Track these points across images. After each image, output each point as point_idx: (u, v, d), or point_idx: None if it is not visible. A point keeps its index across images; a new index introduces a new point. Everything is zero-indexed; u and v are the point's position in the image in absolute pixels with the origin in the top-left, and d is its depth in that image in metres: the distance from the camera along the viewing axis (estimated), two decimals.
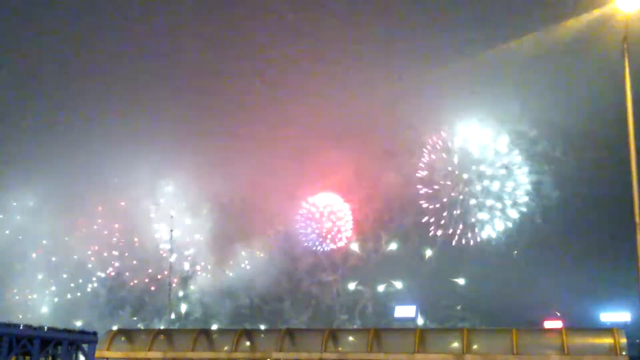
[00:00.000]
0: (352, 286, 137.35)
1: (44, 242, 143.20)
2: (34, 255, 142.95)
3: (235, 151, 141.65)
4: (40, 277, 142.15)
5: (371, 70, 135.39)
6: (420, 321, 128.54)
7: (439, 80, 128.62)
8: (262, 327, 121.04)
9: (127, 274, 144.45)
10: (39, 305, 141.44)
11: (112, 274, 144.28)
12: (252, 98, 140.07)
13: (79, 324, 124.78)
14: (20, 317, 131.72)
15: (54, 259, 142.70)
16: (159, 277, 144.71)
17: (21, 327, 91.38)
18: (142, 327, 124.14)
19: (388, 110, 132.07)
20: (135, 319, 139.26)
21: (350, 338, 48.50)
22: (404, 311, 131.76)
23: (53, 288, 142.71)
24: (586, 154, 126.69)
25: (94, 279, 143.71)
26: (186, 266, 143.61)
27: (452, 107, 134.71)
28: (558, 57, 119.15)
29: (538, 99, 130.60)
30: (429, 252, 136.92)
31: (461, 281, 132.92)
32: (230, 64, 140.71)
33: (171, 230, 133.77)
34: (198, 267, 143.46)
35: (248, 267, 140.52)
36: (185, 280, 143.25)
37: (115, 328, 78.88)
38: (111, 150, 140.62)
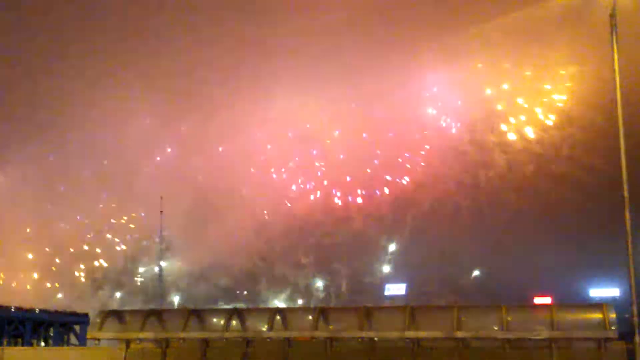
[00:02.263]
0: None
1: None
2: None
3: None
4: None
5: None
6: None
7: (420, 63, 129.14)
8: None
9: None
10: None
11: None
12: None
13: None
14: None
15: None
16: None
17: (12, 310, 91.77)
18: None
19: None
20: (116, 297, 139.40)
21: (341, 316, 48.60)
22: (395, 289, 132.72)
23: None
24: (574, 131, 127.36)
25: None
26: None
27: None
28: (546, 34, 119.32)
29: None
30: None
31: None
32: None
33: (160, 212, 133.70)
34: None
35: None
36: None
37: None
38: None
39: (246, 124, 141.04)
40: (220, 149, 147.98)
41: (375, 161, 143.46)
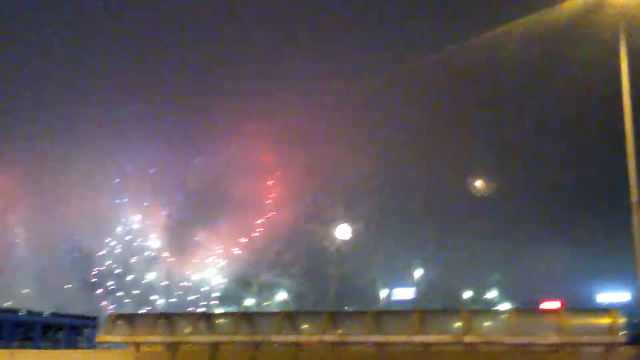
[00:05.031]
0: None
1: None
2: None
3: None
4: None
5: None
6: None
7: (427, 67, 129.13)
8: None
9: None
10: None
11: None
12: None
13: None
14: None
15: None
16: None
17: (21, 313, 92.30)
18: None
19: None
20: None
21: (350, 320, 48.74)
22: (403, 293, 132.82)
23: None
24: (582, 136, 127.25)
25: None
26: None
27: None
28: (551, 41, 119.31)
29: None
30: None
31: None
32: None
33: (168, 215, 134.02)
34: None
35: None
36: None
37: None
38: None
39: None
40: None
41: None
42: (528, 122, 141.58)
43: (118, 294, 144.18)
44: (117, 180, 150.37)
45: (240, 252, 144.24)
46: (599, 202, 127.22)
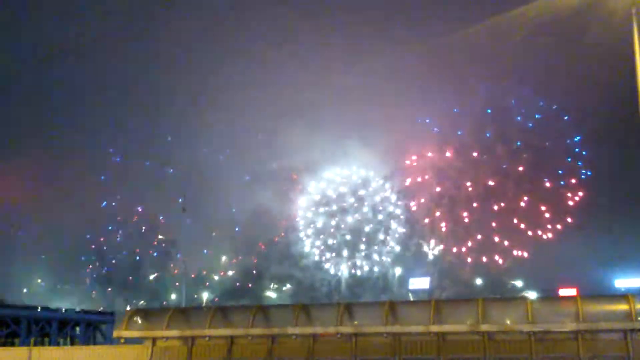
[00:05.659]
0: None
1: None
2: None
3: None
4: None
5: None
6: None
7: (438, 51, 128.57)
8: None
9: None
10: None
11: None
12: None
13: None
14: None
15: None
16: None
17: (39, 310, 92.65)
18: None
19: None
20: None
21: (366, 311, 48.57)
22: (418, 283, 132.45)
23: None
24: (597, 124, 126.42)
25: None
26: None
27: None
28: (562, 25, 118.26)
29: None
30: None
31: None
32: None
33: (183, 209, 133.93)
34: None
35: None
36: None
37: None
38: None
39: None
40: None
41: None
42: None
43: (131, 289, 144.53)
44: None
45: None
46: (615, 191, 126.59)
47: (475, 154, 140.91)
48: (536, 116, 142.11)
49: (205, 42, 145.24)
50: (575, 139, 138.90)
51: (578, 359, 42.63)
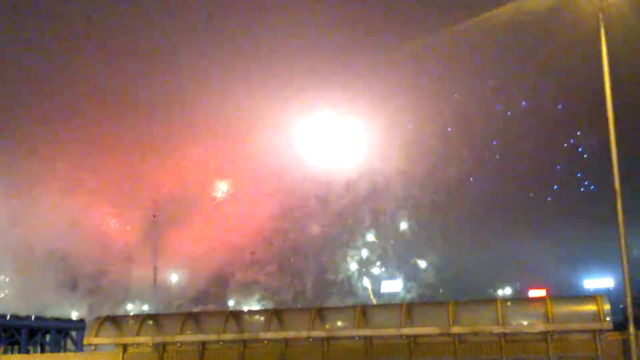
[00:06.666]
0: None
1: None
2: None
3: None
4: None
5: None
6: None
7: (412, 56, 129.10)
8: None
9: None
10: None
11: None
12: None
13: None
14: None
15: None
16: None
17: (8, 317, 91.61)
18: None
19: None
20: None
21: (337, 315, 48.70)
22: (390, 286, 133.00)
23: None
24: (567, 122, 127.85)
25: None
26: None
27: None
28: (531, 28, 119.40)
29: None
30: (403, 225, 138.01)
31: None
32: None
33: (153, 216, 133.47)
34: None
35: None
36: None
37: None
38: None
39: None
40: None
41: None
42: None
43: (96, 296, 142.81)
44: None
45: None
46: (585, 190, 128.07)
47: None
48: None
49: None
50: None
51: (548, 359, 43.09)
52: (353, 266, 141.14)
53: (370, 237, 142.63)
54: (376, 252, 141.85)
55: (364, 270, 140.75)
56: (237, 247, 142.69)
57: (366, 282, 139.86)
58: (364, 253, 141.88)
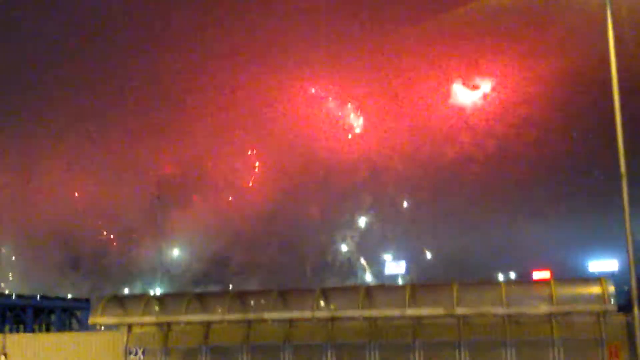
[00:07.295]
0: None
1: None
2: None
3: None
4: None
5: None
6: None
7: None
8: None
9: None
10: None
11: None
12: None
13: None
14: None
15: None
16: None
17: (14, 297, 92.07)
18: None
19: None
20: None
21: (342, 296, 48.80)
22: (394, 267, 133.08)
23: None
24: (570, 106, 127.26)
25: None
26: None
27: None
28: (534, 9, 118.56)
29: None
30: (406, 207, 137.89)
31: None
32: None
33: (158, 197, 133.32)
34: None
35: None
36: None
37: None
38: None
39: None
40: None
41: None
42: None
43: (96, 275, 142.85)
44: None
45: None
46: (590, 171, 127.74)
47: None
48: None
49: None
50: None
51: (552, 340, 43.18)
52: (352, 247, 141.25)
53: (373, 218, 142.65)
54: (378, 234, 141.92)
55: (364, 252, 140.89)
56: (239, 229, 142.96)
57: (365, 264, 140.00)
58: (366, 235, 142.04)
